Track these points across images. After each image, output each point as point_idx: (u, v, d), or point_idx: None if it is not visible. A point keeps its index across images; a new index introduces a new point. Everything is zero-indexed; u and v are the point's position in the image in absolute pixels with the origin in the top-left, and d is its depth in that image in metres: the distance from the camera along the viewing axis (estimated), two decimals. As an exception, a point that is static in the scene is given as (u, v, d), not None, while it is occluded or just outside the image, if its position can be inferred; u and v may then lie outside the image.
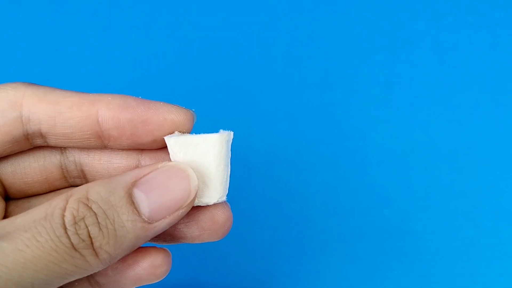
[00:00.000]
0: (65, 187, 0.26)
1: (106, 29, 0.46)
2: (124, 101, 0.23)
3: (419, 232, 0.40)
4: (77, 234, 0.19)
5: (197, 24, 0.46)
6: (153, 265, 0.24)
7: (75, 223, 0.19)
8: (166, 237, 0.25)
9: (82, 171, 0.26)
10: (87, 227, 0.19)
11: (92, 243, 0.20)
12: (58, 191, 0.26)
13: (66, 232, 0.19)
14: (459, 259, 0.39)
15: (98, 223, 0.20)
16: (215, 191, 0.23)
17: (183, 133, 0.24)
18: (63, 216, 0.19)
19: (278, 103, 0.43)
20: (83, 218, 0.19)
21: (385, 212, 0.40)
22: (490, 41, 0.44)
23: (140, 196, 0.21)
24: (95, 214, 0.20)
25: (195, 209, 0.24)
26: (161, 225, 0.21)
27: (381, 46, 0.44)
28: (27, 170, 0.25)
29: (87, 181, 0.26)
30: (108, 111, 0.23)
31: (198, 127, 0.24)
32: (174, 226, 0.24)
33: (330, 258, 0.39)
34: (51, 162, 0.25)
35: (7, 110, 0.22)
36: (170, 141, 0.23)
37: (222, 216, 0.24)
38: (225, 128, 0.24)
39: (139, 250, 0.24)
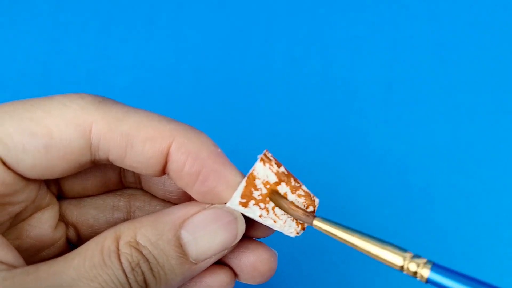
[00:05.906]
0: (119, 189, 0.26)
1: (106, 29, 0.46)
2: (198, 147, 0.21)
3: (419, 231, 0.40)
4: (137, 281, 0.19)
5: (197, 24, 0.46)
6: (221, 284, 0.23)
7: (132, 269, 0.19)
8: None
9: (139, 177, 0.25)
10: (143, 274, 0.20)
11: None
12: (111, 192, 0.26)
13: (127, 280, 0.19)
14: (458, 258, 0.39)
15: (151, 270, 0.20)
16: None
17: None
18: (120, 263, 0.19)
19: (278, 103, 0.43)
20: (138, 264, 0.20)
21: (385, 212, 0.40)
22: (490, 41, 0.44)
23: (187, 238, 0.21)
24: (147, 260, 0.20)
25: (242, 247, 0.23)
26: (206, 264, 0.21)
27: (381, 46, 0.44)
28: (88, 175, 0.25)
29: (141, 187, 0.26)
30: (177, 153, 0.21)
31: (199, 127, 0.24)
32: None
33: (330, 258, 0.39)
34: (111, 169, 0.25)
35: (75, 139, 0.20)
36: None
37: (265, 267, 0.23)
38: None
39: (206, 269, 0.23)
